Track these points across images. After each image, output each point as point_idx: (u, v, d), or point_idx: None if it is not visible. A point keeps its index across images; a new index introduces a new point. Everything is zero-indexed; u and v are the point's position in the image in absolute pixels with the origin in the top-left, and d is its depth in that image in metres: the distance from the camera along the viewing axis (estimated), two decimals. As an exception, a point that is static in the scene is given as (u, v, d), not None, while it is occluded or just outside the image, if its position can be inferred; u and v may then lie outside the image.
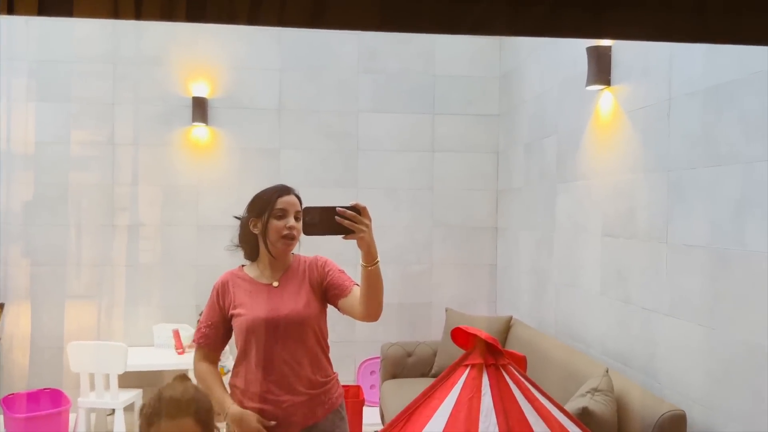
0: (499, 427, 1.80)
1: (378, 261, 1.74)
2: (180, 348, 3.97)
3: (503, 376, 1.92)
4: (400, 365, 3.95)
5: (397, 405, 3.09)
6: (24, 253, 4.19)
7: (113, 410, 3.65)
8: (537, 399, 1.93)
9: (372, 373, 4.46)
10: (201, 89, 4.33)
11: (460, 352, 2.07)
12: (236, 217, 1.99)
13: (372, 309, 1.80)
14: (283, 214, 1.88)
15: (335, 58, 4.47)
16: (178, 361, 3.84)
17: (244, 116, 4.39)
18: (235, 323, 1.90)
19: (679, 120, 2.41)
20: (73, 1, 0.68)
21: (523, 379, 1.96)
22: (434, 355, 3.97)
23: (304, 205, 1.78)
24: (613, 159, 2.92)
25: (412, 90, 4.54)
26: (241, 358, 1.91)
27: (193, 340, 1.98)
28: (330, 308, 1.97)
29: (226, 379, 2.02)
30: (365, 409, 3.88)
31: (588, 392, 2.34)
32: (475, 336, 1.98)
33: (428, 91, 4.55)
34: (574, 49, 3.24)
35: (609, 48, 2.92)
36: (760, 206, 1.98)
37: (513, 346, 3.57)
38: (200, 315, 2.17)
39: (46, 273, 4.20)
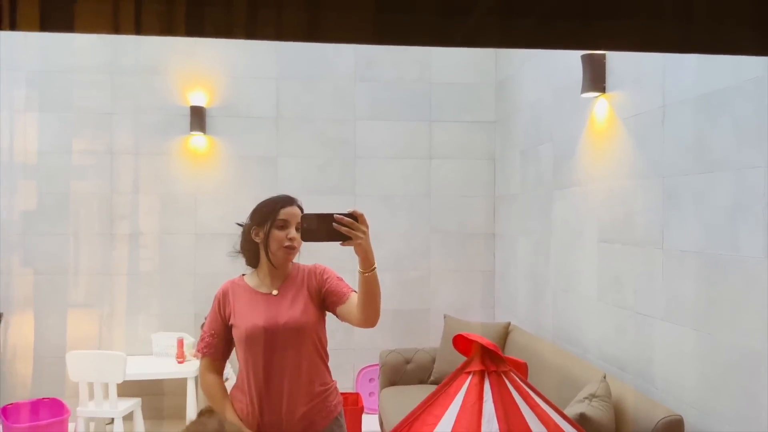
0: (500, 433, 1.80)
1: (375, 267, 1.75)
2: (181, 357, 3.97)
3: (505, 382, 1.92)
4: (398, 372, 3.94)
5: (397, 412, 3.10)
6: (24, 262, 4.20)
7: (112, 419, 3.65)
8: (538, 405, 1.93)
9: (371, 380, 4.46)
10: (199, 98, 4.35)
11: (458, 358, 2.08)
12: (239, 224, 2.00)
13: (369, 315, 1.81)
14: (284, 225, 1.89)
15: (332, 66, 4.50)
16: (177, 370, 3.85)
17: (241, 125, 4.42)
18: (235, 332, 1.91)
19: (674, 127, 2.43)
20: (74, 16, 0.70)
21: (524, 386, 1.96)
22: (433, 361, 3.97)
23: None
24: (608, 165, 2.94)
25: (408, 98, 4.56)
26: (242, 367, 1.92)
27: (198, 350, 1.99)
28: (329, 317, 1.98)
29: (228, 384, 2.03)
30: (364, 417, 3.89)
31: (586, 398, 2.35)
32: (476, 343, 1.99)
33: (425, 99, 4.58)
34: (569, 57, 3.27)
35: (603, 56, 2.95)
36: (753, 212, 2.00)
37: (511, 352, 3.58)
38: (202, 325, 2.18)
39: (45, 282, 4.21)
